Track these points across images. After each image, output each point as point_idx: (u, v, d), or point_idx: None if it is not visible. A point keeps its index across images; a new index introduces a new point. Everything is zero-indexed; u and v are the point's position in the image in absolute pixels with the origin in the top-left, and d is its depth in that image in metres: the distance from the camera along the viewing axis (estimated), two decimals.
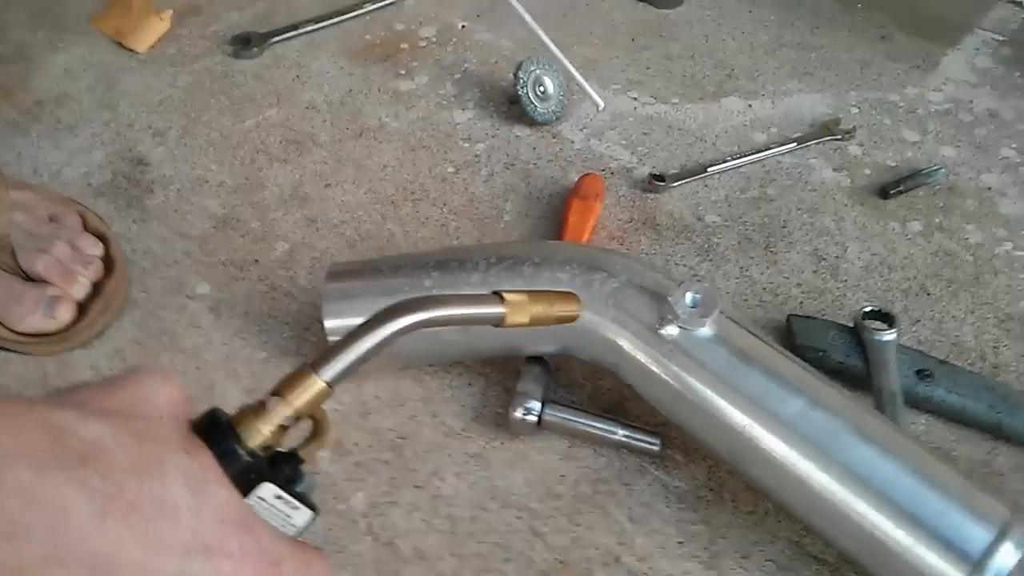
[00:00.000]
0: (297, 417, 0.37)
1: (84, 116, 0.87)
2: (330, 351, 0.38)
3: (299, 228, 0.78)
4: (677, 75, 0.95)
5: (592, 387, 0.67)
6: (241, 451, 0.35)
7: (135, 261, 0.75)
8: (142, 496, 0.31)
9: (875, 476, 0.52)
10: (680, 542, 0.59)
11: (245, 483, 0.35)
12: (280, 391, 0.37)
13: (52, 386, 0.67)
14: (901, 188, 0.81)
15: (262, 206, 0.80)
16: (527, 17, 0.86)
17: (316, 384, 0.37)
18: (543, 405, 0.63)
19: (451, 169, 0.84)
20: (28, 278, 0.69)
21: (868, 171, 0.84)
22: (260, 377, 0.68)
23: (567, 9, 1.03)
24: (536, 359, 0.65)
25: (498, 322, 0.42)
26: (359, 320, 0.57)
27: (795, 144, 0.86)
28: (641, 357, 0.58)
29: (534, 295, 0.44)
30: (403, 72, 0.94)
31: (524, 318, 0.43)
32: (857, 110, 0.90)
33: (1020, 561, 0.49)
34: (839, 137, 0.87)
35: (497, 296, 0.42)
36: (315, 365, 0.38)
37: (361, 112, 0.89)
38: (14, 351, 0.69)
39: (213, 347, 0.70)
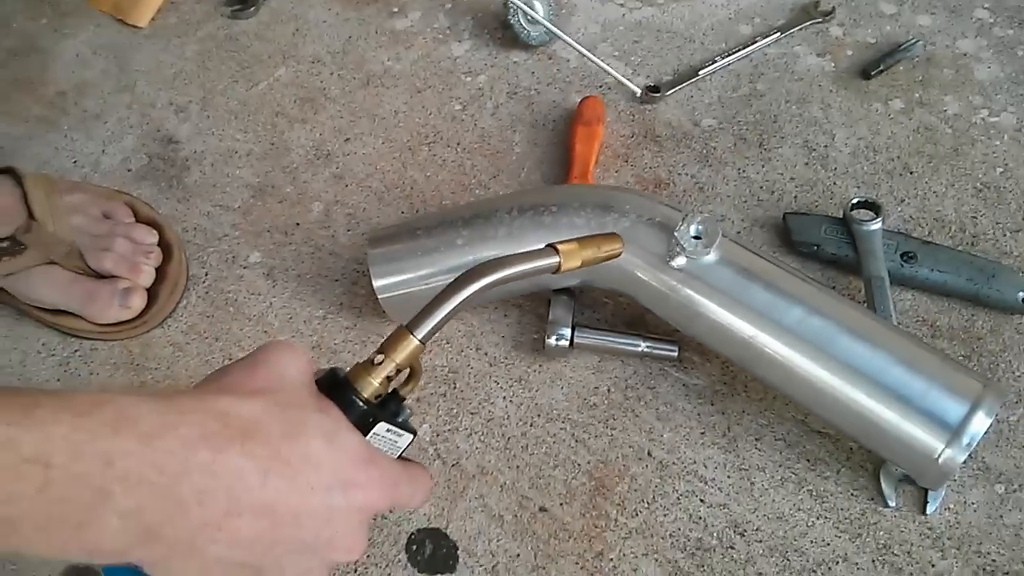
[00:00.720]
0: (399, 370, 0.47)
1: (107, 102, 0.93)
2: (421, 314, 0.47)
3: (329, 187, 0.85)
4: None
5: (614, 304, 0.76)
6: (359, 401, 0.45)
7: (189, 239, 0.83)
8: (293, 454, 0.41)
9: (866, 368, 0.60)
10: (702, 432, 0.69)
11: (364, 425, 0.45)
12: (384, 350, 0.46)
13: (140, 366, 0.77)
14: (882, 67, 0.86)
15: (291, 169, 0.86)
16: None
17: (412, 342, 0.46)
18: (573, 330, 0.72)
19: (458, 106, 0.89)
20: (98, 275, 0.77)
21: (850, 52, 0.89)
22: (322, 333, 0.77)
23: None
24: (562, 290, 0.73)
25: (556, 269, 0.51)
26: (405, 278, 0.66)
27: (779, 33, 0.90)
28: (655, 286, 0.66)
29: (582, 241, 0.52)
30: (396, 10, 0.97)
31: (577, 263, 0.52)
32: None
33: (990, 425, 0.58)
34: (820, 20, 0.91)
35: (552, 248, 0.51)
36: (410, 326, 0.47)
37: (364, 59, 0.94)
38: (102, 340, 0.78)
39: (275, 311, 0.78)
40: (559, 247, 0.51)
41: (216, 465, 0.38)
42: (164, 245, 0.80)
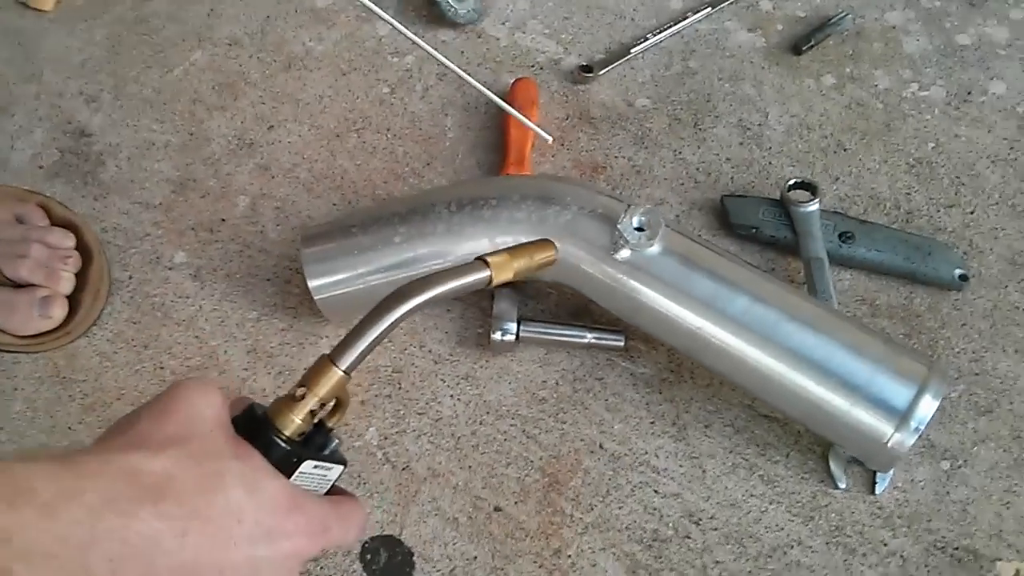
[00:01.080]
0: (323, 403, 0.44)
1: (12, 93, 0.87)
2: (344, 342, 0.45)
3: (254, 179, 0.81)
4: None
5: (558, 295, 0.75)
6: (280, 441, 0.43)
7: (108, 240, 0.79)
8: (211, 509, 0.39)
9: (812, 355, 0.61)
10: (651, 422, 0.69)
11: (288, 466, 0.43)
12: (306, 383, 0.44)
13: (67, 378, 0.73)
14: (812, 43, 0.86)
15: (213, 161, 0.83)
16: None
17: (336, 374, 0.44)
18: (518, 324, 0.70)
19: (386, 89, 0.87)
20: (15, 285, 0.72)
21: (780, 27, 0.88)
22: (257, 336, 0.74)
23: None
24: (505, 284, 0.72)
25: (488, 283, 0.49)
26: (341, 278, 0.64)
27: (710, 8, 0.89)
28: (600, 278, 0.65)
29: (514, 251, 0.51)
30: None
31: (509, 275, 0.50)
32: None
33: (938, 407, 0.59)
34: None
35: (482, 262, 0.49)
36: (333, 357, 0.44)
37: (284, 40, 0.90)
38: (23, 352, 0.74)
39: (205, 314, 0.75)
40: (490, 260, 0.49)
41: (127, 531, 0.36)
42: (83, 248, 0.75)
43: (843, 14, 0.87)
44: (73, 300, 0.74)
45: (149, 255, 0.78)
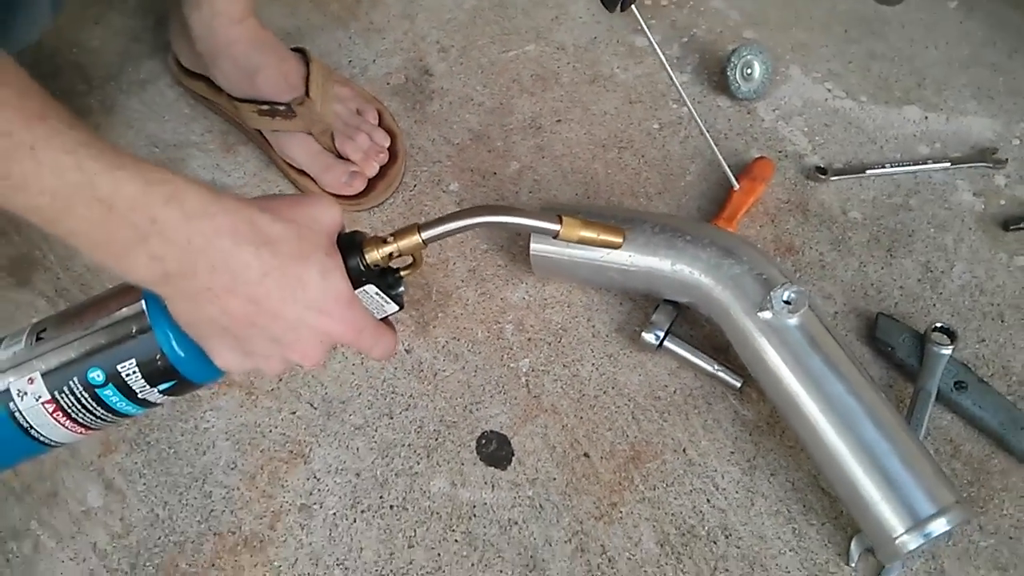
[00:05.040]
0: (401, 253, 0.58)
1: (390, 22, 1.15)
2: (433, 222, 0.58)
3: (530, 153, 1.04)
4: (873, 74, 1.10)
5: (709, 329, 0.91)
6: (360, 262, 0.57)
7: (410, 155, 1.04)
8: (291, 271, 0.53)
9: (873, 450, 0.74)
10: (732, 452, 0.85)
11: (356, 280, 0.57)
12: (395, 235, 0.58)
13: None
14: (1022, 226, 0.96)
15: (507, 129, 1.06)
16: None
17: (416, 237, 0.58)
18: (666, 334, 0.88)
19: (656, 125, 1.06)
20: (338, 155, 0.99)
21: (1003, 202, 0.99)
22: (478, 261, 0.96)
23: None
24: (671, 302, 0.89)
25: (555, 234, 0.60)
26: (553, 247, 0.82)
27: (949, 164, 1.01)
28: (741, 325, 0.81)
29: (587, 223, 0.61)
30: (640, 28, 1.14)
31: (574, 236, 0.60)
32: (1018, 142, 1.03)
33: (946, 531, 0.71)
34: (991, 165, 1.01)
35: (558, 217, 0.59)
36: (420, 226, 0.58)
37: (599, 60, 1.11)
38: None
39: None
40: (564, 219, 0.60)
41: (231, 254, 0.51)
42: (392, 151, 1.01)
43: None
44: (370, 184, 0.99)
45: (434, 176, 1.03)
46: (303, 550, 0.81)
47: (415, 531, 0.82)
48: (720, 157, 0.96)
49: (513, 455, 0.85)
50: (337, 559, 0.81)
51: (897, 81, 1.09)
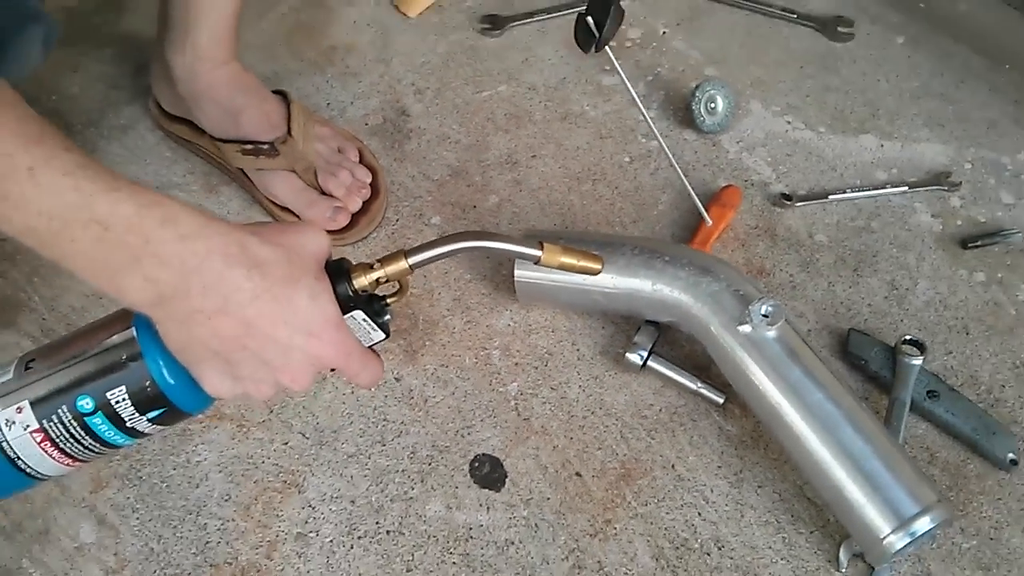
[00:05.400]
0: (387, 279, 0.60)
1: (366, 67, 1.18)
2: (419, 248, 0.60)
3: (507, 187, 1.07)
4: (830, 106, 1.15)
5: (689, 349, 0.94)
6: (348, 287, 0.58)
7: (392, 191, 1.06)
8: (282, 295, 0.54)
9: (853, 453, 0.77)
10: (719, 467, 0.87)
11: (344, 306, 0.58)
12: (382, 261, 0.60)
13: None
14: (980, 243, 1.01)
15: (485, 164, 1.09)
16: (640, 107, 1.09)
17: (403, 263, 0.60)
18: (649, 354, 0.91)
19: (627, 159, 1.10)
20: (321, 192, 1.01)
21: (960, 222, 1.04)
22: (463, 291, 0.98)
23: (753, 29, 1.24)
24: (653, 322, 0.92)
25: (536, 260, 0.63)
26: (540, 275, 0.85)
27: (907, 188, 1.07)
28: (722, 340, 0.84)
29: (567, 249, 0.64)
30: (607, 68, 1.19)
31: (555, 263, 0.63)
32: (970, 166, 1.09)
33: (930, 529, 0.73)
34: (946, 188, 1.06)
35: (539, 244, 0.62)
36: (406, 252, 0.60)
37: (569, 98, 1.16)
38: None
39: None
40: (546, 246, 0.62)
41: (223, 275, 0.52)
42: (374, 187, 1.03)
43: (1016, 231, 1.01)
44: (354, 219, 1.01)
45: (416, 210, 1.05)
46: None
47: (412, 555, 0.82)
48: (689, 187, 1.00)
49: (506, 477, 0.86)
50: None
51: (852, 112, 1.15)
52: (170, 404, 0.59)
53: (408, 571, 0.82)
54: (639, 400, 0.91)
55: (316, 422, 0.89)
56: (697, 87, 1.09)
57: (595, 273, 0.66)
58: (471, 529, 0.84)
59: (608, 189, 1.07)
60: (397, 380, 0.92)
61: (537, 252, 0.62)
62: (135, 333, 0.58)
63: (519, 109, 1.14)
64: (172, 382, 0.58)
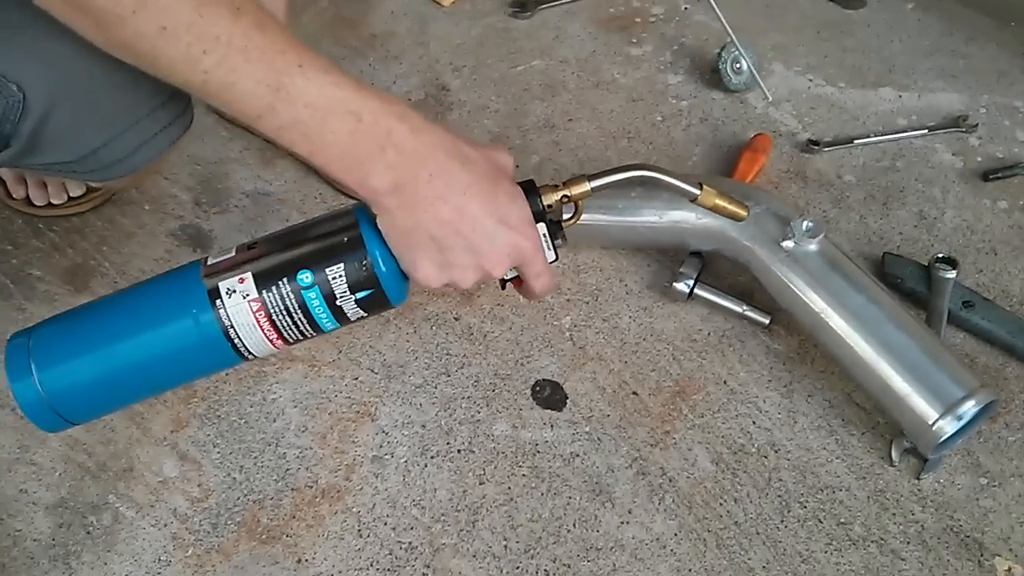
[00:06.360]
0: (570, 198, 0.67)
1: (405, 50, 1.25)
2: (599, 174, 0.68)
3: (547, 147, 1.13)
4: (848, 65, 1.21)
5: (732, 279, 0.99)
6: (539, 201, 0.65)
7: None
8: (488, 190, 0.61)
9: (898, 348, 0.81)
10: (769, 380, 0.91)
11: (534, 215, 0.64)
12: (566, 183, 0.67)
13: None
14: (1000, 175, 1.06)
15: (524, 129, 1.15)
16: (723, 19, 1.16)
17: (586, 185, 0.67)
18: (695, 283, 0.95)
19: (659, 118, 1.16)
20: None
21: (979, 159, 1.09)
22: None
23: (771, 1, 1.30)
24: (696, 253, 0.97)
25: (693, 198, 0.71)
26: (588, 216, 0.89)
27: (927, 131, 1.12)
28: (765, 258, 0.89)
29: (722, 194, 0.72)
30: (634, 40, 1.25)
31: (709, 203, 0.72)
32: (984, 111, 1.14)
33: (976, 412, 0.77)
34: (964, 130, 1.12)
35: (699, 183, 0.71)
36: (589, 177, 0.67)
37: (600, 68, 1.22)
38: None
39: None
40: (704, 186, 0.72)
41: (445, 166, 0.59)
42: None
43: None
44: None
45: None
46: (379, 496, 0.85)
47: (484, 470, 0.86)
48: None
49: (567, 398, 0.91)
50: (413, 500, 0.85)
51: (869, 69, 1.21)
52: (378, 287, 0.64)
53: (480, 483, 0.86)
54: (688, 326, 0.96)
55: (383, 359, 0.94)
56: (722, 48, 1.16)
57: (741, 219, 0.74)
58: (537, 445, 0.88)
59: (643, 145, 1.13)
60: (456, 319, 0.97)
61: (696, 191, 0.70)
62: (356, 219, 0.64)
63: (553, 80, 1.21)
64: (384, 269, 0.63)
